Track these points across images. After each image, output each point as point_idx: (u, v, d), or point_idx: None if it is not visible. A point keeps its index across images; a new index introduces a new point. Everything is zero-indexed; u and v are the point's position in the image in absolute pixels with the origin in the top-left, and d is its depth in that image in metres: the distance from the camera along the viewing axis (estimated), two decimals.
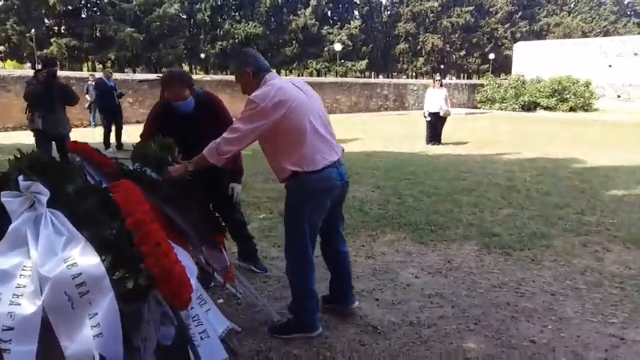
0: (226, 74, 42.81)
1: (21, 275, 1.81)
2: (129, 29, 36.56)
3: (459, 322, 3.03)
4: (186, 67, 47.77)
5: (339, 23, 49.18)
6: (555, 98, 25.66)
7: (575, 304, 3.30)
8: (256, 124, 2.55)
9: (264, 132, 2.57)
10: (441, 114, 11.46)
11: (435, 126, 11.56)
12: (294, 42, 45.71)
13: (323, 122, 2.73)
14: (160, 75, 3.98)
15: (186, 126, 3.19)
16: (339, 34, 46.19)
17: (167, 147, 2.70)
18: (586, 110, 25.43)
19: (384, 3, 55.37)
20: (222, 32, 43.99)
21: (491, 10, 53.81)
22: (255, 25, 43.53)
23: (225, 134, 2.61)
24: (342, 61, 43.18)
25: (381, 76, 45.00)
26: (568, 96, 25.51)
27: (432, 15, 51.71)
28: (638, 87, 26.57)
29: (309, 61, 46.76)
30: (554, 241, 4.56)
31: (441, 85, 11.66)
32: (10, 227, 1.86)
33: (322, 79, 25.56)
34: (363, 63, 47.38)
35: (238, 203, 3.66)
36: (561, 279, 3.72)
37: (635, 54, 26.40)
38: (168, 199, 2.48)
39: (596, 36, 46.39)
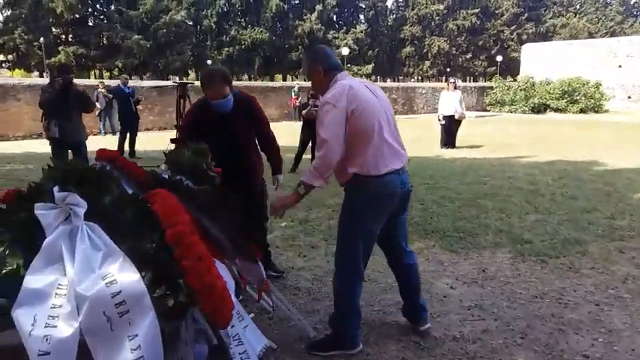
0: (235, 80, 42.92)
1: (56, 294, 1.69)
2: (136, 36, 36.65)
3: (505, 336, 2.88)
4: (193, 74, 47.89)
5: (344, 28, 49.15)
6: (565, 100, 25.43)
7: (622, 314, 3.14)
8: (340, 125, 2.45)
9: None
10: (456, 117, 11.31)
11: (450, 129, 11.41)
12: (300, 47, 45.70)
13: (390, 127, 2.62)
14: (176, 81, 3.95)
15: (223, 125, 3.13)
16: (345, 39, 46.16)
17: (201, 153, 2.58)
18: (596, 112, 25.19)
19: (389, 7, 55.33)
20: (228, 38, 44.06)
21: (496, 12, 53.63)
22: (261, 31, 43.57)
23: (316, 152, 2.56)
24: (349, 65, 43.09)
25: (389, 80, 44.79)
26: (578, 97, 25.28)
27: (437, 18, 51.61)
28: None
29: None
30: (588, 247, 4.41)
31: (456, 88, 11.52)
32: (44, 242, 1.74)
33: None
34: (369, 67, 47.27)
35: (267, 207, 3.49)
36: (603, 288, 3.56)
37: None
38: (204, 209, 2.36)
39: (603, 37, 46.12)
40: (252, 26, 44.59)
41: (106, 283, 1.72)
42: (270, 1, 43.94)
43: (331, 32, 47.50)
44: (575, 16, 55.46)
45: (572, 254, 4.23)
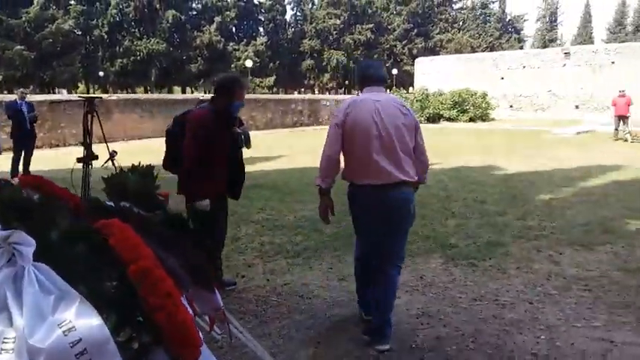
0: (128, 92, 40.84)
1: (2, 350, 1.45)
2: (18, 47, 33.55)
3: (457, 341, 2.97)
4: (82, 87, 44.86)
5: (245, 40, 48.94)
6: (456, 110, 27.29)
7: (554, 310, 3.38)
8: (335, 131, 2.86)
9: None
10: None
11: None
12: (199, 58, 44.70)
13: (384, 146, 2.78)
14: (82, 95, 3.98)
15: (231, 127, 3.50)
16: (246, 51, 45.95)
17: (148, 175, 2.37)
18: (484, 120, 27.30)
19: (288, 20, 56.08)
20: (121, 49, 41.91)
21: (389, 27, 56.43)
22: (157, 42, 41.98)
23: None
24: (250, 77, 42.92)
25: (296, 93, 45.13)
26: (467, 107, 27.25)
27: (335, 32, 53.15)
28: (527, 97, 29.09)
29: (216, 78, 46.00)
30: (509, 248, 4.71)
31: None
32: None
33: None
34: (271, 79, 47.46)
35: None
36: (531, 286, 3.81)
37: (524, 67, 28.95)
38: (159, 238, 2.17)
39: (484, 51, 50.31)
40: (148, 37, 42.84)
41: (64, 332, 1.49)
42: (167, 12, 42.57)
43: (231, 44, 47.06)
44: (459, 32, 59.90)
45: (497, 256, 4.49)
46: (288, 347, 2.94)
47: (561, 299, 3.55)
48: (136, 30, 44.41)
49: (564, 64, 27.74)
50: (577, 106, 27.37)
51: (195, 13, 48.11)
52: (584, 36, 72.20)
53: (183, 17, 44.50)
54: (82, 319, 1.54)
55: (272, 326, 3.20)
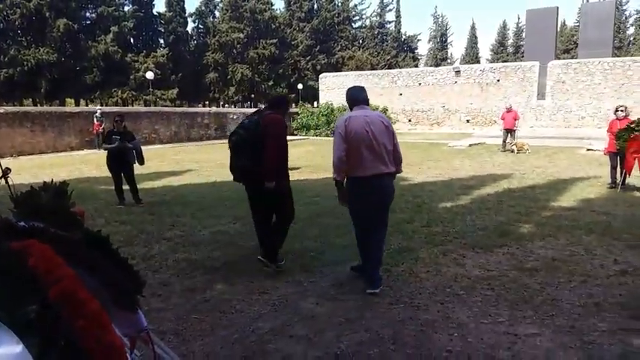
0: (15, 105, 37.54)
1: None
2: None
3: (379, 344, 3.09)
4: None
5: (144, 51, 47.07)
6: None
7: (463, 309, 3.63)
8: (338, 141, 3.92)
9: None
10: None
11: None
12: (94, 69, 42.20)
13: (374, 149, 3.88)
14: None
15: None
16: (146, 62, 44.21)
17: (63, 194, 2.23)
18: None
19: (190, 32, 54.93)
20: (7, 59, 38.39)
21: (292, 43, 57.36)
22: (47, 51, 39.03)
23: None
24: (151, 89, 41.29)
25: (200, 105, 43.87)
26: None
27: (238, 46, 52.92)
28: (423, 112, 30.91)
29: (113, 90, 43.64)
30: (418, 253, 4.99)
31: None
32: None
33: (139, 108, 23.96)
34: (174, 92, 46.05)
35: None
36: (441, 288, 4.07)
37: (420, 84, 30.79)
38: (78, 258, 2.06)
39: (382, 68, 52.74)
40: (37, 46, 39.74)
41: None
42: (57, 20, 39.76)
43: (130, 55, 45.02)
44: (359, 50, 62.39)
45: (408, 261, 4.74)
46: None
47: (468, 299, 3.83)
48: (23, 39, 41.07)
49: (455, 82, 29.87)
50: (468, 120, 29.56)
51: (89, 22, 45.49)
52: (472, 55, 78.51)
53: (76, 26, 41.85)
54: (2, 347, 1.44)
55: (195, 344, 3.12)
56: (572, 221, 6.34)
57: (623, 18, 64.10)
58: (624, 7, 63.88)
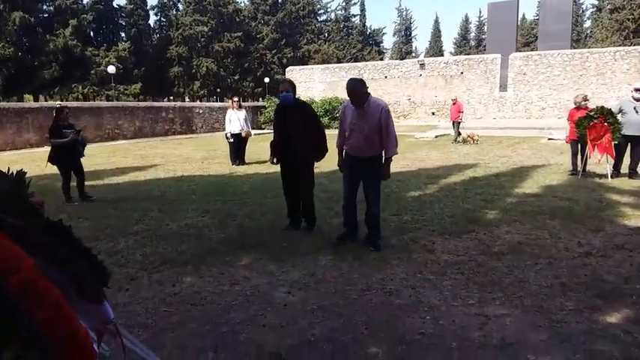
0: None
1: None
2: None
3: (352, 330, 3.09)
4: None
5: (105, 45, 45.78)
6: (328, 117, 28.31)
7: (434, 293, 3.67)
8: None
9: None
10: (243, 135, 11.61)
11: (239, 146, 11.64)
12: (53, 64, 40.80)
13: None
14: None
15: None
16: (107, 56, 43.02)
17: (20, 182, 2.12)
18: None
19: (152, 26, 53.75)
20: None
21: (258, 36, 56.82)
22: (2, 46, 37.49)
23: None
24: (113, 84, 40.21)
25: (165, 100, 42.85)
26: (337, 115, 28.42)
27: (203, 39, 52.09)
28: (390, 105, 31.08)
29: (74, 85, 42.26)
30: (390, 241, 5.01)
31: (240, 107, 11.82)
32: None
33: (101, 103, 23.22)
34: (137, 86, 45.01)
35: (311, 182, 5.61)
36: (412, 273, 4.10)
37: (386, 77, 31.00)
38: (38, 247, 1.97)
39: (349, 61, 52.92)
40: None
41: None
42: (13, 13, 38.19)
43: (90, 49, 43.72)
44: (325, 43, 62.34)
45: (380, 249, 4.75)
46: (186, 356, 2.84)
47: (439, 283, 3.87)
48: None
49: (420, 74, 30.22)
50: (433, 113, 29.96)
51: (47, 15, 43.91)
52: (436, 49, 79.62)
53: (33, 20, 40.34)
54: None
55: (165, 337, 3.05)
56: (535, 207, 6.50)
57: (580, 12, 66.12)
58: (581, 1, 65.95)
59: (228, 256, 4.57)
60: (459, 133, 17.42)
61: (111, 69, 33.37)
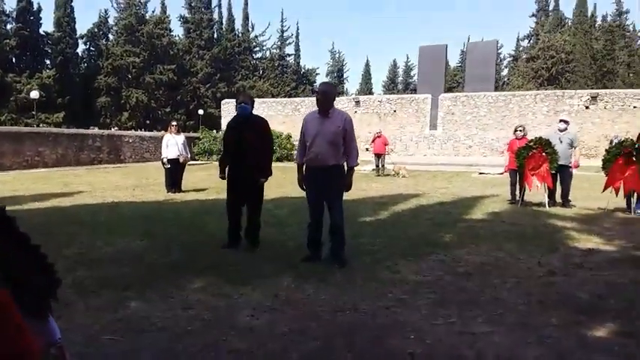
0: None
1: None
2: None
3: (332, 353, 2.74)
4: None
5: (28, 72, 43.18)
6: None
7: (412, 312, 3.41)
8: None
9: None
10: (181, 160, 11.04)
11: (175, 172, 11.02)
12: None
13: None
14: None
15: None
16: (30, 83, 40.53)
17: None
18: (289, 160, 28.56)
19: (80, 54, 51.62)
20: None
21: (192, 70, 56.08)
22: None
23: None
24: (34, 112, 37.73)
25: (96, 128, 40.45)
26: (275, 148, 28.24)
27: (134, 70, 50.61)
28: None
29: None
30: (351, 262, 4.71)
31: (179, 131, 11.27)
32: None
33: (21, 128, 21.32)
34: (60, 115, 42.57)
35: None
36: (382, 293, 3.82)
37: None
38: None
39: (283, 98, 53.36)
40: None
41: None
42: None
43: (11, 75, 41.06)
44: (260, 80, 62.62)
45: (342, 270, 4.44)
46: None
47: (413, 302, 3.62)
48: None
49: (355, 111, 30.85)
50: (367, 149, 30.46)
51: None
52: (366, 91, 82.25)
53: None
54: None
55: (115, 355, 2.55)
56: (487, 231, 6.50)
57: (499, 60, 71.16)
58: (499, 51, 71.08)
59: (176, 279, 4.08)
60: (383, 166, 17.69)
61: (34, 94, 31.33)
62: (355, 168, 4.90)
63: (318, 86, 5.01)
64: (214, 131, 31.65)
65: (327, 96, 4.67)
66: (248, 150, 5.11)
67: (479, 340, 2.90)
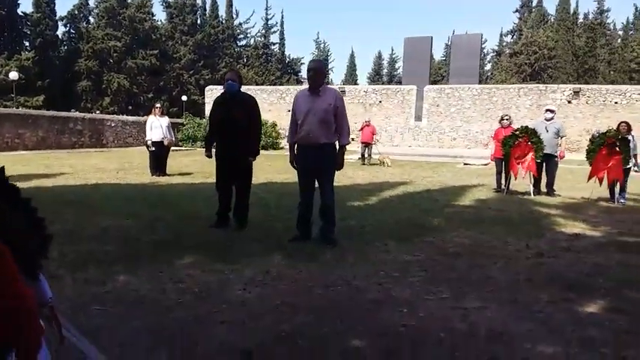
0: None
1: None
2: None
3: (327, 324, 2.72)
4: None
5: (6, 53, 42.10)
6: None
7: (404, 288, 3.41)
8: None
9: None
10: (165, 143, 10.89)
11: (160, 156, 10.86)
12: None
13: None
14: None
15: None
16: (8, 65, 39.52)
17: None
18: (275, 148, 28.41)
19: (60, 37, 50.49)
20: None
21: (175, 56, 55.31)
22: None
23: None
24: (13, 94, 36.88)
25: (74, 110, 39.58)
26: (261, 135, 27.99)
27: (115, 55, 49.70)
28: None
29: None
30: (342, 242, 4.70)
31: (163, 113, 11.10)
32: None
33: (1, 110, 20.65)
34: (40, 98, 41.67)
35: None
36: (374, 271, 3.82)
37: None
38: None
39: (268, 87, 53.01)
40: None
41: None
42: None
43: None
44: (244, 68, 62.07)
45: (333, 250, 4.43)
46: (131, 354, 2.31)
47: (405, 279, 3.62)
48: None
49: None
50: (353, 139, 30.48)
51: None
52: (351, 82, 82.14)
53: None
54: None
55: (103, 335, 2.49)
56: (474, 216, 6.55)
57: (482, 55, 71.65)
58: (483, 45, 71.56)
59: (164, 256, 4.01)
60: (370, 155, 17.68)
61: (13, 75, 30.54)
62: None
63: (308, 63, 4.81)
64: (198, 118, 31.29)
65: (318, 72, 4.61)
66: (236, 128, 5.04)
67: (471, 315, 2.91)
